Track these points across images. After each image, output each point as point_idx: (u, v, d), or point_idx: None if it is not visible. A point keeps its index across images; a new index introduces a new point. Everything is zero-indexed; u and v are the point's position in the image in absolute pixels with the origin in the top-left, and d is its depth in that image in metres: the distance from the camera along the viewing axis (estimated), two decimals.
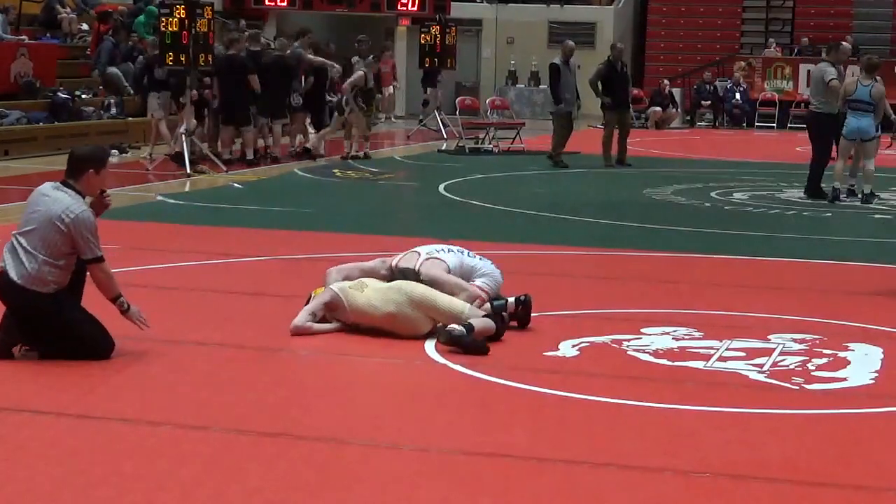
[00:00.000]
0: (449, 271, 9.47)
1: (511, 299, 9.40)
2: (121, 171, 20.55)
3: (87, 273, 8.19)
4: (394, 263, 9.54)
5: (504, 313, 9.22)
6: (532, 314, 9.49)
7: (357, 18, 36.64)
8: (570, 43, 23.94)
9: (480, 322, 8.77)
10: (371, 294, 8.98)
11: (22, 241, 8.00)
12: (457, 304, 8.97)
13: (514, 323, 9.32)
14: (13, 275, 7.96)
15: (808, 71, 35.52)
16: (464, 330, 8.58)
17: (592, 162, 23.28)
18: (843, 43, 21.01)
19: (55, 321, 7.99)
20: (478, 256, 9.85)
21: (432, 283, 9.18)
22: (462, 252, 9.76)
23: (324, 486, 5.95)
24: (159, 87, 21.82)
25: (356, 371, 8.28)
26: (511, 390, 7.71)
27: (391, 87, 33.73)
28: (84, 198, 8.14)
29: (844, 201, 18.05)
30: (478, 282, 9.57)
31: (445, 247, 9.81)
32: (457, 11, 35.93)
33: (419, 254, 9.58)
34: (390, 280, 9.27)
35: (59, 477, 5.99)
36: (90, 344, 8.07)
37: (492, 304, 9.32)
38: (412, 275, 9.24)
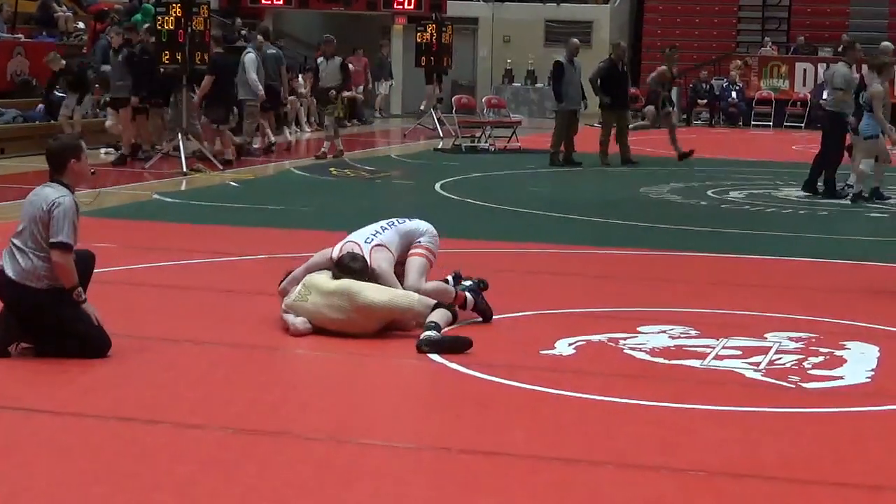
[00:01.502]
0: (393, 256, 9.40)
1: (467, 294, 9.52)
2: (117, 169, 20.55)
3: (88, 272, 8.25)
4: (333, 255, 9.31)
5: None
6: (529, 313, 9.49)
7: (353, 17, 36.64)
8: (575, 41, 23.93)
9: (439, 315, 8.75)
10: (317, 300, 8.87)
11: (16, 241, 8.12)
12: (401, 300, 8.90)
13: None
14: (9, 271, 8.05)
15: (815, 68, 35.64)
16: (432, 332, 8.52)
17: (589, 161, 23.27)
18: (857, 43, 20.71)
19: (51, 317, 8.02)
20: (406, 219, 9.77)
21: (383, 280, 9.11)
22: (393, 224, 9.64)
23: (320, 485, 5.95)
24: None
25: (353, 370, 8.27)
26: (508, 389, 7.71)
27: (360, 87, 33.59)
28: (73, 191, 8.20)
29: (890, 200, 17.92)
30: (422, 241, 9.57)
31: (377, 227, 9.61)
32: (453, 10, 35.94)
33: (358, 244, 9.37)
34: (333, 272, 9.14)
35: (55, 475, 5.98)
36: (87, 342, 8.07)
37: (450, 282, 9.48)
38: (363, 265, 9.09)
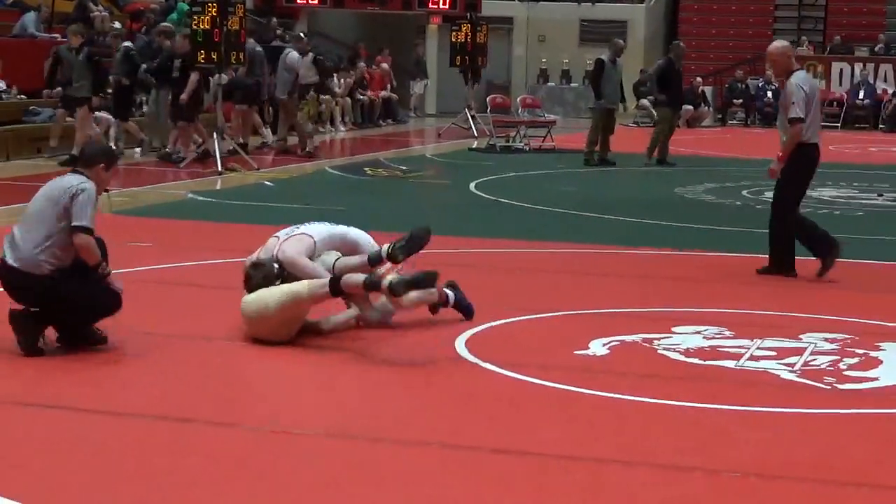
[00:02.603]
0: (315, 245, 9.03)
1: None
2: (152, 168, 20.63)
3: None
4: (252, 259, 9.03)
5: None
6: (563, 312, 9.49)
7: (388, 16, 36.65)
8: (620, 42, 24.08)
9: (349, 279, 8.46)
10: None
11: (17, 230, 8.14)
12: (290, 291, 8.51)
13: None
14: (10, 259, 8.07)
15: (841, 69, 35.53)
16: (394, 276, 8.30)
17: (623, 160, 23.22)
18: None
19: (58, 298, 8.02)
20: (342, 226, 9.43)
21: (291, 268, 8.81)
22: (333, 224, 9.41)
23: (354, 483, 5.96)
24: None
25: (386, 369, 8.28)
26: (541, 389, 7.70)
27: (387, 87, 33.62)
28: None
29: None
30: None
31: (307, 223, 9.36)
32: (488, 9, 35.88)
33: (279, 237, 9.13)
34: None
35: (90, 473, 6.02)
36: (94, 302, 8.09)
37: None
38: (270, 265, 8.78)
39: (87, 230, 8.02)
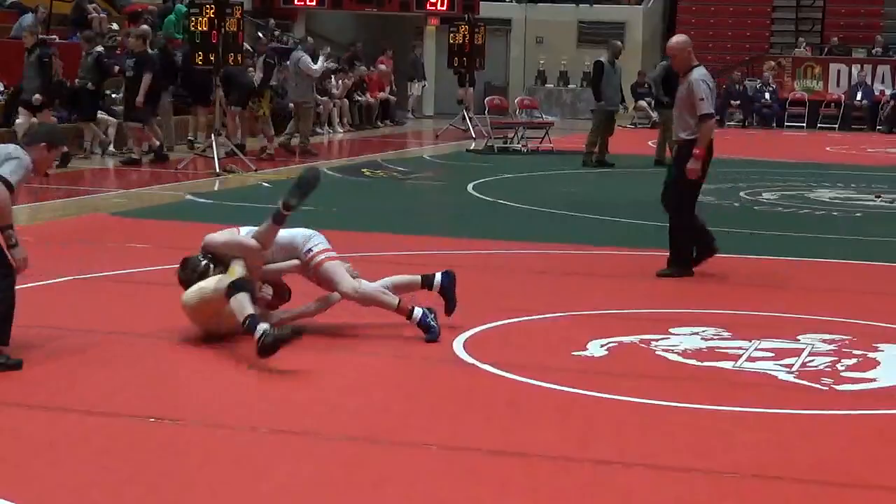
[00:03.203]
0: (238, 231, 9.00)
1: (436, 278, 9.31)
2: (151, 170, 20.62)
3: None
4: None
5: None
6: (560, 314, 9.48)
7: (386, 18, 36.67)
8: (619, 44, 24.14)
9: (239, 304, 8.28)
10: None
11: None
12: (209, 293, 8.49)
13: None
14: None
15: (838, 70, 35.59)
16: (254, 326, 8.12)
17: (622, 162, 23.23)
18: None
19: None
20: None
21: (211, 247, 8.80)
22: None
23: (352, 485, 5.96)
24: None
25: (384, 370, 8.28)
26: (539, 390, 7.71)
27: (387, 89, 33.60)
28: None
29: None
30: (314, 248, 9.08)
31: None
32: (486, 11, 35.89)
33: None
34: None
35: (88, 475, 6.01)
36: None
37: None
38: (195, 258, 8.81)
39: (8, 184, 7.75)
